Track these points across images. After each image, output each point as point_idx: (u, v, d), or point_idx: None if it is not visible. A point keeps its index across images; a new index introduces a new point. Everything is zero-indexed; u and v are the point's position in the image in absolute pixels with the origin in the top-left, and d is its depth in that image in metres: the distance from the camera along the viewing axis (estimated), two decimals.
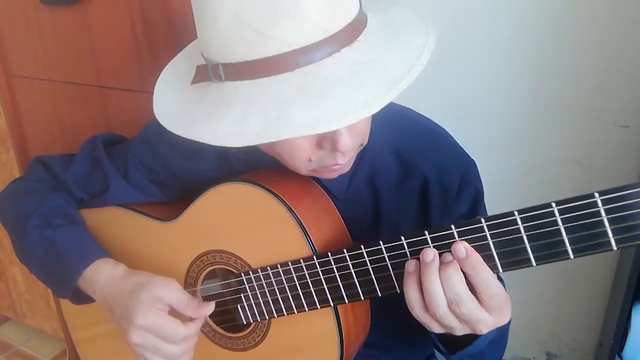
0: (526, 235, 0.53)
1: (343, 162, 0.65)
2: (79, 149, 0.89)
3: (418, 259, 0.59)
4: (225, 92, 0.59)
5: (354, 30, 0.58)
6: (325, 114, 0.53)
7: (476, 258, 0.56)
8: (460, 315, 0.56)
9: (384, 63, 0.57)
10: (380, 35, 0.60)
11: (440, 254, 0.58)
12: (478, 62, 1.36)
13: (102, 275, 0.75)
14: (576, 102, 1.29)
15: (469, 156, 0.77)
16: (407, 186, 0.76)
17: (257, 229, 0.71)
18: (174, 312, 0.70)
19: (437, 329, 0.59)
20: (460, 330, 0.58)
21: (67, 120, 1.29)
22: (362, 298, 0.65)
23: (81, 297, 0.80)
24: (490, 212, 0.75)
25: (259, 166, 0.78)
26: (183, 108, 0.64)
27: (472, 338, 0.64)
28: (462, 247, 0.56)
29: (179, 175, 0.83)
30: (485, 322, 0.57)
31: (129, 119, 1.15)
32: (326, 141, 0.61)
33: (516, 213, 0.53)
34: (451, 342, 0.68)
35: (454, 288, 0.56)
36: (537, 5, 1.26)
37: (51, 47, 1.22)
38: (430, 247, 0.58)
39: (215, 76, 0.59)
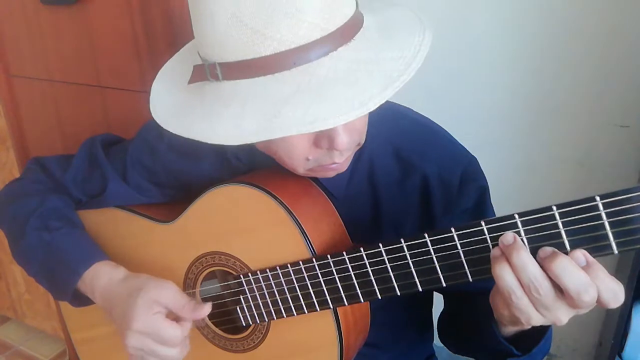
0: (527, 239, 0.53)
1: (340, 160, 0.65)
2: (77, 149, 0.89)
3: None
4: (222, 92, 0.59)
5: (350, 29, 0.58)
6: (322, 112, 0.53)
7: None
8: (586, 303, 0.52)
9: (381, 61, 0.57)
10: (377, 35, 0.60)
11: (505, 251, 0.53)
12: (478, 63, 1.36)
13: (102, 278, 0.75)
14: (576, 102, 1.29)
15: (470, 153, 0.77)
16: (407, 185, 0.76)
17: (255, 231, 0.71)
18: (172, 315, 0.69)
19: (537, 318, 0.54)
20: (566, 315, 0.55)
21: (67, 120, 1.29)
22: (362, 300, 0.65)
23: (80, 300, 0.79)
24: None
25: (258, 166, 0.78)
26: (180, 108, 0.64)
27: (539, 334, 0.62)
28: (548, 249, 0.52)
29: (177, 176, 0.83)
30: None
31: (129, 119, 1.15)
32: (323, 140, 0.61)
33: (517, 216, 0.53)
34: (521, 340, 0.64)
35: (574, 278, 0.50)
36: (537, 5, 1.25)
37: (51, 47, 1.22)
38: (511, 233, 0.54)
39: (212, 75, 0.59)
